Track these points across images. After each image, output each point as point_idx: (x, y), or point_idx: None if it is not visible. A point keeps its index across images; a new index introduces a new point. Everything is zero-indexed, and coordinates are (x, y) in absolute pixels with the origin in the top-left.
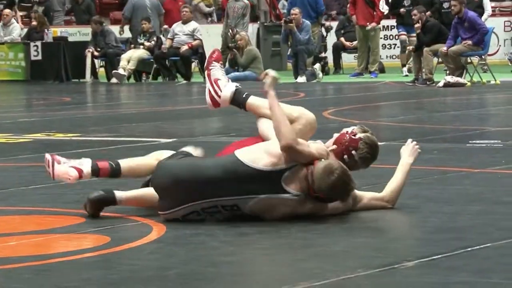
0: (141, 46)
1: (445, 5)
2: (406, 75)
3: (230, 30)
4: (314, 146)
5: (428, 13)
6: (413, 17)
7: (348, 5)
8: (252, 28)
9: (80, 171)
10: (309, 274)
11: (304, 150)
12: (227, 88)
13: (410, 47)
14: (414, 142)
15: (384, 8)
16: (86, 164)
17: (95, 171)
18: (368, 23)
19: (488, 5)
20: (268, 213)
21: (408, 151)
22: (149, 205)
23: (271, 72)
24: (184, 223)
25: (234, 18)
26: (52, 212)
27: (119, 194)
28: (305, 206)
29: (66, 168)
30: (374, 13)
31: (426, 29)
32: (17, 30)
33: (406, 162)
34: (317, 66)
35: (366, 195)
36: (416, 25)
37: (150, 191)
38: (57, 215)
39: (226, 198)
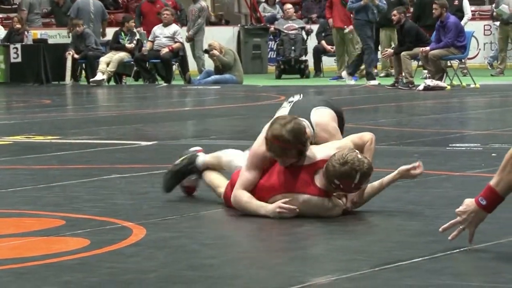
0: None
1: None
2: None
3: (187, 33)
4: None
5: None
6: (393, 17)
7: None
8: (233, 31)
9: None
10: (289, 277)
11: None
12: None
13: (389, 50)
14: (420, 169)
15: None
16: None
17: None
18: (345, 26)
19: (468, 9)
20: None
21: (404, 170)
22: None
23: None
24: (164, 226)
25: (192, 21)
26: (31, 215)
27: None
28: None
29: None
30: (351, 15)
31: (404, 32)
32: None
33: (392, 178)
34: None
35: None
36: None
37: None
38: (36, 218)
39: None
